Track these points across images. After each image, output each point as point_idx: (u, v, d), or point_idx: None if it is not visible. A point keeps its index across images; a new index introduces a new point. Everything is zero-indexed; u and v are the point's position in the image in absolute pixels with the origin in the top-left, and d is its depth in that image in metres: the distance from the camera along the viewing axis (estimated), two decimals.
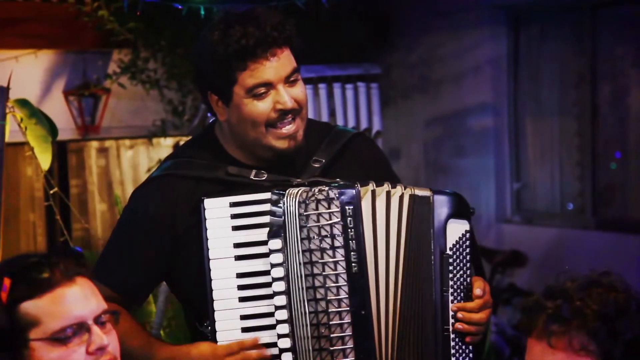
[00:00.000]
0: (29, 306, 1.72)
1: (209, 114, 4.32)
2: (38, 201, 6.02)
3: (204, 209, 2.16)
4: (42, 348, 1.72)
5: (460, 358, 2.19)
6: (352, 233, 2.15)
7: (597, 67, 5.25)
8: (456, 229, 2.21)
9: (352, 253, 2.15)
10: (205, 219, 2.16)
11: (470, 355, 2.20)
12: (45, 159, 2.87)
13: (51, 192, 3.14)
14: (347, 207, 2.15)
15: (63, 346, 1.72)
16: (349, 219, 2.15)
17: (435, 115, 6.16)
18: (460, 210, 2.22)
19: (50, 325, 1.72)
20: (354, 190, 2.16)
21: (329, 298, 2.14)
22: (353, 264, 2.15)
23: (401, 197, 2.19)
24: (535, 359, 1.78)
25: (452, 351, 2.17)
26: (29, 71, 5.66)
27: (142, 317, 4.10)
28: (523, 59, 5.72)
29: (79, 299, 1.75)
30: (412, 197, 2.19)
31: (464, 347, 2.20)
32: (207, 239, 2.16)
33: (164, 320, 4.12)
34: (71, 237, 3.78)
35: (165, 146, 6.04)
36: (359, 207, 2.16)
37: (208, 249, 2.16)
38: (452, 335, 2.17)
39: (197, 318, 2.20)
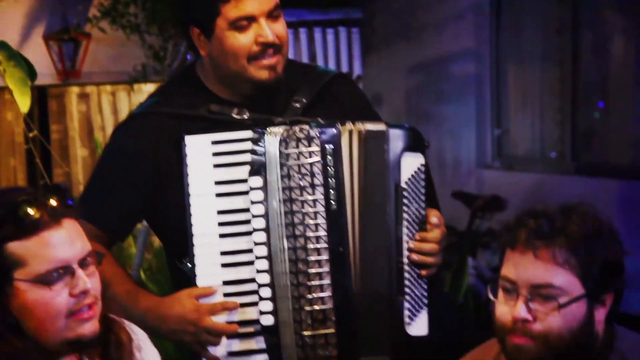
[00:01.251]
0: (16, 247, 1.73)
1: (188, 57, 4.31)
2: (18, 146, 6.00)
3: (185, 146, 2.17)
4: (26, 288, 1.73)
5: (415, 290, 2.21)
6: (331, 171, 2.17)
7: (579, 14, 5.25)
8: (411, 163, 2.22)
9: (331, 191, 2.18)
10: (185, 156, 2.17)
11: (425, 287, 2.23)
12: (24, 102, 2.85)
13: (31, 135, 3.12)
14: (327, 146, 2.17)
15: (47, 288, 1.73)
16: (328, 157, 2.17)
17: (417, 62, 6.15)
18: (415, 144, 2.23)
19: (36, 267, 1.73)
20: (334, 130, 2.18)
21: (307, 235, 2.17)
22: (332, 202, 2.18)
23: (358, 133, 2.20)
24: (516, 269, 1.83)
25: (407, 282, 2.20)
26: (8, 16, 5.60)
27: (122, 260, 4.12)
28: (505, 5, 5.70)
29: (65, 242, 1.75)
30: (366, 132, 2.20)
31: (418, 279, 2.22)
32: (187, 176, 2.17)
33: (144, 263, 4.15)
34: (52, 182, 3.78)
35: (146, 92, 6.00)
36: (339, 146, 2.18)
37: (188, 186, 2.17)
38: (406, 268, 2.20)
39: (177, 255, 2.22)
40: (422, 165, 2.24)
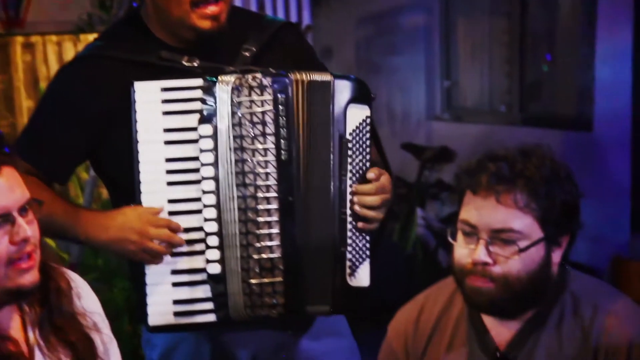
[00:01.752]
0: None
1: (134, 5, 4.24)
2: None
3: (134, 92, 2.14)
4: None
5: (357, 241, 2.22)
6: (283, 121, 2.16)
7: None
8: (356, 114, 2.21)
9: (282, 141, 2.17)
10: (134, 102, 2.14)
11: (367, 239, 2.24)
12: None
13: None
14: (279, 95, 2.16)
15: None
16: (280, 107, 2.16)
17: (367, 13, 6.13)
18: (360, 95, 2.22)
19: None
20: (286, 79, 2.16)
21: (257, 184, 2.17)
22: (282, 152, 2.17)
23: (303, 83, 2.19)
24: (477, 213, 1.86)
25: (349, 234, 2.21)
26: None
27: None
28: None
29: (4, 190, 1.73)
30: (311, 83, 2.19)
31: (359, 232, 2.23)
32: (136, 122, 2.14)
33: None
34: None
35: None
36: (290, 95, 2.17)
37: (137, 132, 2.14)
38: (349, 219, 2.20)
39: (125, 204, 2.20)
40: (367, 117, 2.23)
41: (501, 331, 1.94)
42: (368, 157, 2.23)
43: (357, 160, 2.21)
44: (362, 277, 2.23)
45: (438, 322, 2.03)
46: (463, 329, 2.00)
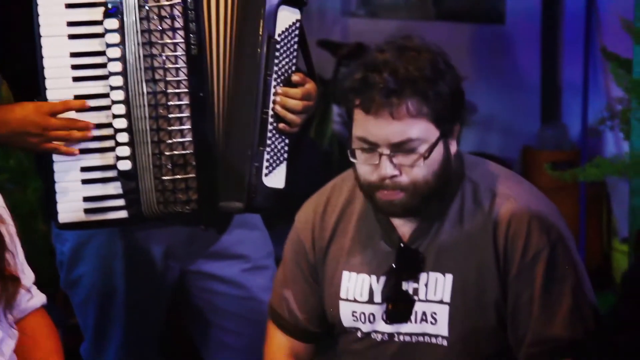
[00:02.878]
0: None
1: None
2: None
3: None
4: None
5: (277, 143, 2.22)
6: (192, 15, 2.13)
7: None
8: (287, 17, 2.20)
9: (191, 35, 2.13)
10: None
11: (286, 141, 2.24)
12: None
13: None
14: None
15: None
16: (189, 0, 2.12)
17: None
18: None
19: None
20: None
21: (167, 79, 2.14)
22: (192, 46, 2.14)
23: None
24: (373, 130, 1.84)
25: (269, 134, 2.20)
26: None
27: None
28: None
29: None
30: None
31: (280, 133, 2.23)
32: (38, 16, 2.08)
33: None
34: None
35: None
36: None
37: (39, 27, 2.08)
38: (270, 120, 2.20)
39: (28, 99, 2.14)
40: (297, 20, 2.21)
41: (404, 222, 1.97)
42: (294, 61, 2.22)
43: (283, 62, 2.20)
44: (278, 178, 2.23)
45: (342, 213, 2.04)
46: (368, 222, 2.01)
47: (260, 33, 2.17)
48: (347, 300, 2.01)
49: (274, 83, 2.18)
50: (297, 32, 2.22)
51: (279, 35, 2.19)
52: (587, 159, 3.95)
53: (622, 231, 4.13)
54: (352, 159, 1.90)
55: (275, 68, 2.19)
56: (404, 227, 1.97)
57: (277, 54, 2.18)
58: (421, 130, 1.84)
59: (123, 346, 2.37)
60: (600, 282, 3.85)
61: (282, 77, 2.20)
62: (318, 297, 2.07)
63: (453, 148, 1.92)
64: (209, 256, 2.34)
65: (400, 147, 1.84)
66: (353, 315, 2.00)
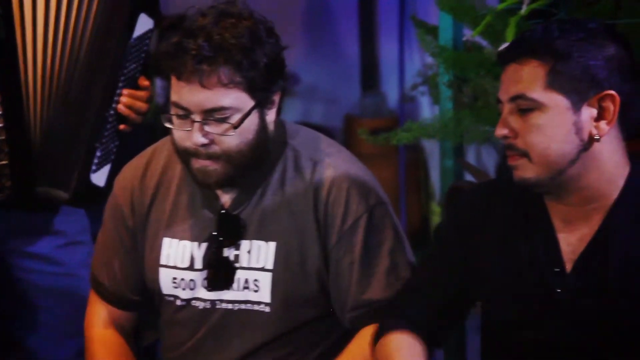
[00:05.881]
0: None
1: None
2: None
3: None
4: None
5: (110, 142, 2.24)
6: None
7: None
8: (144, 23, 2.23)
9: None
10: None
11: (117, 142, 2.26)
12: None
13: None
14: None
15: None
16: None
17: None
18: (153, 6, 2.25)
19: None
20: None
21: None
22: None
23: None
24: (186, 97, 1.83)
25: (106, 133, 2.22)
26: None
27: None
28: None
29: None
30: None
31: (115, 133, 2.24)
32: None
33: None
34: None
35: None
36: None
37: None
38: (109, 120, 2.21)
39: None
40: (151, 30, 2.25)
41: (227, 190, 1.97)
42: (141, 67, 2.25)
43: (133, 65, 2.21)
44: (101, 177, 2.24)
45: (163, 178, 2.02)
46: (189, 188, 2.00)
47: (121, 35, 2.19)
48: (167, 266, 2.01)
49: (120, 84, 2.19)
50: (148, 40, 2.24)
51: (135, 39, 2.21)
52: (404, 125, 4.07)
53: (439, 195, 4.29)
54: (165, 124, 1.88)
55: (125, 70, 2.20)
56: (225, 194, 1.98)
57: (130, 57, 2.20)
58: (234, 99, 1.84)
59: None
60: (421, 244, 3.99)
61: (130, 80, 2.22)
62: (137, 263, 2.05)
63: (271, 116, 1.92)
64: (22, 234, 2.30)
65: (212, 115, 1.83)
66: (173, 282, 2.00)
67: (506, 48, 1.78)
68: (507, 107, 1.71)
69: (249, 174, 1.93)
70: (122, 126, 2.23)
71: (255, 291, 1.96)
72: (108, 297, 2.09)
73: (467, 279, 1.84)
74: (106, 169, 2.25)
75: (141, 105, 2.25)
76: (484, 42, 2.64)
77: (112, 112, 2.21)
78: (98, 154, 2.20)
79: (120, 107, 2.21)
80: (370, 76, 4.64)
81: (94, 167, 2.21)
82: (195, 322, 2.00)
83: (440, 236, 1.94)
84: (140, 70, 2.26)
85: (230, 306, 1.98)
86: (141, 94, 2.25)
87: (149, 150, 2.07)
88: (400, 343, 1.78)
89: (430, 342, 1.84)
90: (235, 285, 1.96)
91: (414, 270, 1.95)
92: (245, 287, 1.96)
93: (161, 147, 2.05)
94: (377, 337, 1.83)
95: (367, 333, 1.90)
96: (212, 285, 1.97)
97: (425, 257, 1.94)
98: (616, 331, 1.70)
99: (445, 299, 1.86)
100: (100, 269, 2.09)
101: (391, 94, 4.58)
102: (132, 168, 2.06)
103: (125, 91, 2.21)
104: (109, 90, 2.19)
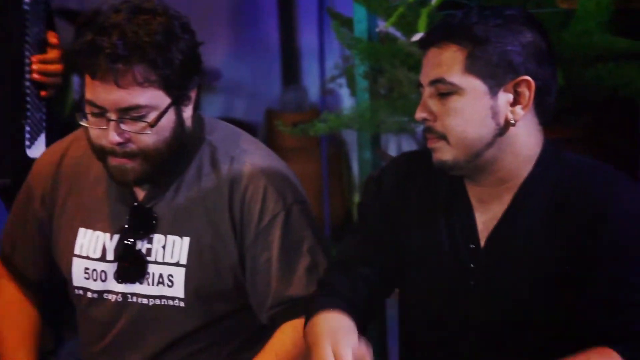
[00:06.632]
0: None
1: None
2: None
3: None
4: None
5: (36, 114, 2.18)
6: None
7: None
8: None
9: None
10: None
11: (44, 110, 2.22)
12: None
13: None
14: None
15: None
16: None
17: None
18: None
19: None
20: None
21: None
22: None
23: None
24: (101, 95, 1.81)
25: (28, 107, 2.16)
26: None
27: None
28: None
29: None
30: None
31: (38, 102, 2.20)
32: None
33: None
34: None
35: None
36: None
37: None
38: (27, 92, 2.15)
39: None
40: None
41: (142, 187, 1.96)
42: (44, 27, 2.19)
43: (35, 30, 2.16)
44: (39, 147, 2.21)
45: (79, 167, 2.00)
46: (105, 179, 1.97)
47: (10, 5, 2.14)
48: (80, 256, 1.99)
49: (27, 53, 2.14)
50: None
51: (27, 3, 2.15)
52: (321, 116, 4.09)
53: (359, 186, 4.32)
54: (80, 122, 1.85)
55: (28, 38, 2.14)
56: (140, 188, 1.96)
57: (27, 23, 2.14)
58: (149, 98, 1.81)
59: None
60: (344, 236, 4.01)
61: (37, 43, 2.15)
62: (40, 245, 2.04)
63: (188, 112, 1.90)
64: None
65: (128, 114, 1.81)
66: (85, 272, 1.98)
67: (427, 33, 1.81)
68: (427, 91, 1.74)
69: (166, 170, 1.91)
70: (42, 93, 2.18)
71: (170, 286, 1.94)
72: (15, 273, 2.08)
73: (391, 253, 1.85)
74: (42, 139, 2.21)
75: (55, 67, 2.19)
76: (398, 34, 2.66)
77: (27, 83, 2.15)
78: (28, 129, 2.16)
79: (34, 75, 2.15)
80: (291, 70, 4.65)
81: (27, 143, 2.17)
82: (109, 317, 1.98)
83: (363, 212, 1.93)
84: (45, 30, 2.19)
85: (145, 301, 1.96)
86: (51, 55, 2.19)
87: (69, 137, 2.04)
88: (330, 321, 1.76)
89: (361, 319, 1.82)
90: (149, 280, 1.95)
91: (341, 246, 1.94)
92: (160, 282, 1.95)
93: (81, 136, 2.01)
94: (306, 319, 1.82)
95: (288, 328, 1.90)
96: (122, 278, 1.96)
97: (351, 232, 1.95)
98: (524, 306, 1.74)
99: (374, 273, 1.85)
100: (7, 241, 2.08)
101: (312, 87, 4.60)
102: (50, 154, 2.03)
103: (34, 58, 2.15)
104: (17, 64, 2.14)
